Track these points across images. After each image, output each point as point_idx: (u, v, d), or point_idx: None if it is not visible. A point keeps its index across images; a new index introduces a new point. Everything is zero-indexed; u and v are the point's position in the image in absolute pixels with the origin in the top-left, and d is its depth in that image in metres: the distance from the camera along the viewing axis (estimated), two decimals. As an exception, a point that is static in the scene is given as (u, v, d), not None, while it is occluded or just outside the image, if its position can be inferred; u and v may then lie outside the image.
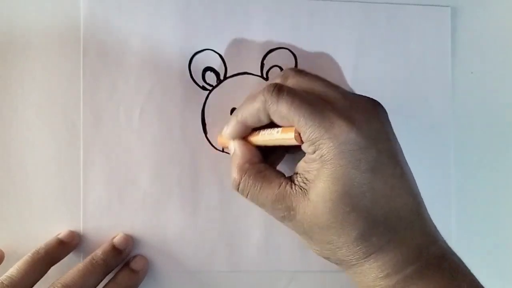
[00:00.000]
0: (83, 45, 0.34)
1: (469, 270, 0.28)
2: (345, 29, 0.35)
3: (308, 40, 0.35)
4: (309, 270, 0.35)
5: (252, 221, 0.35)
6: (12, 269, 0.30)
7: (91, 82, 0.34)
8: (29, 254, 0.31)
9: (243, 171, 0.29)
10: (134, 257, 0.34)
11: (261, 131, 0.30)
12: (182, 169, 0.34)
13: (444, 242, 0.28)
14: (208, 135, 0.35)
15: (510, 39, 0.37)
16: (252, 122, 0.29)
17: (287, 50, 0.35)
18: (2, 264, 0.32)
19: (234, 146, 0.31)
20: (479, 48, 0.37)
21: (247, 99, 0.29)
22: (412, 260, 0.26)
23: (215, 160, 0.35)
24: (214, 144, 0.35)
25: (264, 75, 0.35)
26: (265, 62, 0.35)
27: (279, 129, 0.28)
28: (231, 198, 0.35)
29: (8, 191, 0.34)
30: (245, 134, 0.31)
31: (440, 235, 0.28)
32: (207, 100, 0.35)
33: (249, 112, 0.29)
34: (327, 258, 0.29)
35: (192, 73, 0.34)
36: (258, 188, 0.29)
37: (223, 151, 0.35)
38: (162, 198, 0.34)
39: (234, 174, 0.30)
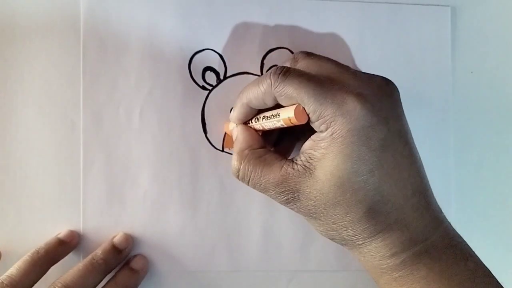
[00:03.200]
0: (83, 45, 0.34)
1: (473, 251, 0.28)
2: (345, 29, 0.35)
3: (308, 40, 0.35)
4: (309, 270, 0.35)
5: (252, 221, 0.35)
6: (12, 269, 0.30)
7: (91, 82, 0.34)
8: (29, 253, 0.31)
9: (242, 157, 0.29)
10: (134, 256, 0.34)
11: (263, 112, 0.30)
12: (182, 169, 0.34)
13: (449, 223, 0.28)
14: (208, 135, 0.35)
15: (510, 39, 0.37)
16: (256, 104, 0.29)
17: (287, 50, 0.35)
18: (2, 264, 0.32)
19: (237, 132, 0.31)
20: (479, 48, 0.37)
21: (252, 81, 0.29)
22: (420, 239, 0.26)
23: (215, 160, 0.35)
24: (214, 144, 0.35)
25: (264, 75, 0.35)
26: (265, 62, 0.35)
27: (280, 108, 0.28)
28: (231, 198, 0.35)
29: (8, 191, 0.34)
30: (250, 117, 0.31)
31: (445, 217, 0.28)
32: (207, 100, 0.35)
33: (254, 94, 0.29)
34: (332, 239, 0.28)
35: (192, 73, 0.34)
36: (259, 173, 0.28)
37: (223, 150, 0.35)
38: (162, 198, 0.34)
39: (234, 161, 0.29)
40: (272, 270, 0.35)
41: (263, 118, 0.30)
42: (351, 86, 0.26)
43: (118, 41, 0.34)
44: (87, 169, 0.34)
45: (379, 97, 0.26)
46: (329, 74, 0.27)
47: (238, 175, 0.29)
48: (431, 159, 0.36)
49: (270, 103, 0.28)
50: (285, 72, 0.27)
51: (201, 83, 0.35)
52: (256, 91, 0.28)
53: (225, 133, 0.35)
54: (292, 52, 0.35)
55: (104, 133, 0.34)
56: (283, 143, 0.33)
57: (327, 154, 0.26)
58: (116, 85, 0.34)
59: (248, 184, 0.29)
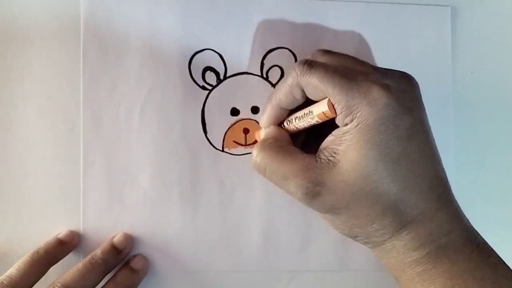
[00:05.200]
0: (83, 45, 0.34)
1: (492, 248, 0.28)
2: (345, 29, 0.35)
3: (308, 40, 0.35)
4: (309, 270, 0.35)
5: (252, 221, 0.35)
6: (12, 269, 0.30)
7: (91, 82, 0.34)
8: (29, 254, 0.31)
9: (264, 146, 0.29)
10: (134, 256, 0.34)
11: (295, 114, 0.30)
12: (182, 169, 0.34)
13: (467, 219, 0.28)
14: (208, 135, 0.35)
15: (510, 39, 0.37)
16: (286, 102, 0.29)
17: (287, 50, 0.35)
18: (2, 264, 0.32)
19: (266, 131, 0.31)
20: (479, 48, 0.37)
21: (278, 84, 0.30)
22: (444, 231, 0.26)
23: (215, 160, 0.35)
24: (214, 144, 0.35)
25: (264, 75, 0.35)
26: (265, 62, 0.35)
27: (311, 106, 0.28)
28: (231, 198, 0.35)
29: (8, 191, 0.34)
30: (281, 119, 0.31)
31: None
32: (207, 100, 0.35)
33: (283, 92, 0.29)
34: (355, 237, 0.28)
35: (192, 73, 0.34)
36: (280, 160, 0.28)
37: (223, 150, 0.35)
38: (162, 198, 0.34)
39: (254, 150, 0.29)
40: (272, 270, 0.35)
41: (295, 119, 0.30)
42: (375, 77, 0.26)
43: (118, 41, 0.34)
44: (87, 169, 0.34)
45: (401, 88, 0.27)
46: (351, 68, 0.27)
47: (256, 161, 0.29)
48: (431, 159, 0.36)
49: (298, 97, 0.29)
50: (310, 63, 0.27)
51: (201, 83, 0.35)
52: (284, 88, 0.29)
53: (225, 133, 0.35)
54: (292, 52, 0.35)
55: (104, 133, 0.34)
56: (309, 147, 0.33)
57: (352, 145, 0.26)
58: (116, 85, 0.34)
59: (265, 174, 0.29)
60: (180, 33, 0.34)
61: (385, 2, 0.35)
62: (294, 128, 0.30)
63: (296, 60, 0.35)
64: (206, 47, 0.35)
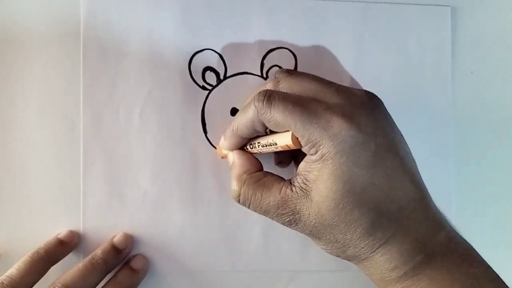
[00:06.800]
0: (83, 45, 0.34)
1: (479, 255, 0.27)
2: (345, 29, 0.35)
3: (308, 40, 0.35)
4: (309, 270, 0.35)
5: (252, 221, 0.35)
6: (12, 269, 0.30)
7: (91, 82, 0.34)
8: (29, 254, 0.31)
9: (241, 181, 0.29)
10: (134, 256, 0.34)
11: (259, 138, 0.30)
12: (182, 169, 0.34)
13: (452, 228, 0.28)
14: (208, 135, 0.35)
15: (510, 39, 0.37)
16: (248, 133, 0.29)
17: (287, 50, 0.35)
18: (2, 264, 0.33)
19: (233, 157, 0.31)
20: (479, 48, 0.37)
21: (241, 109, 0.29)
22: (419, 249, 0.26)
23: (215, 160, 0.35)
24: (214, 144, 0.35)
25: (264, 75, 0.35)
26: (265, 62, 0.35)
27: (275, 135, 0.28)
28: (231, 198, 0.35)
29: (8, 191, 0.34)
30: (243, 144, 0.31)
31: (447, 221, 0.28)
32: (207, 100, 0.35)
33: (243, 123, 0.29)
34: (338, 256, 0.29)
35: (192, 73, 0.34)
36: (259, 197, 0.28)
37: (223, 151, 0.35)
38: (162, 198, 0.34)
39: (233, 186, 0.30)
40: (272, 270, 0.35)
41: (258, 145, 0.30)
42: (335, 105, 0.26)
43: (118, 41, 0.34)
44: (87, 169, 0.34)
45: (363, 113, 0.26)
46: (312, 94, 0.27)
47: (239, 199, 0.30)
48: (431, 159, 0.36)
49: (261, 129, 0.29)
50: (269, 97, 0.27)
51: (201, 83, 0.35)
52: (245, 120, 0.28)
53: (225, 133, 0.35)
54: (292, 52, 0.35)
55: (104, 133, 0.34)
56: (285, 156, 0.33)
57: (320, 176, 0.26)
58: (116, 85, 0.34)
59: (249, 208, 0.29)
60: (180, 33, 0.34)
61: (385, 2, 0.35)
62: (258, 153, 0.30)
63: (296, 60, 0.35)
64: (206, 47, 0.35)
